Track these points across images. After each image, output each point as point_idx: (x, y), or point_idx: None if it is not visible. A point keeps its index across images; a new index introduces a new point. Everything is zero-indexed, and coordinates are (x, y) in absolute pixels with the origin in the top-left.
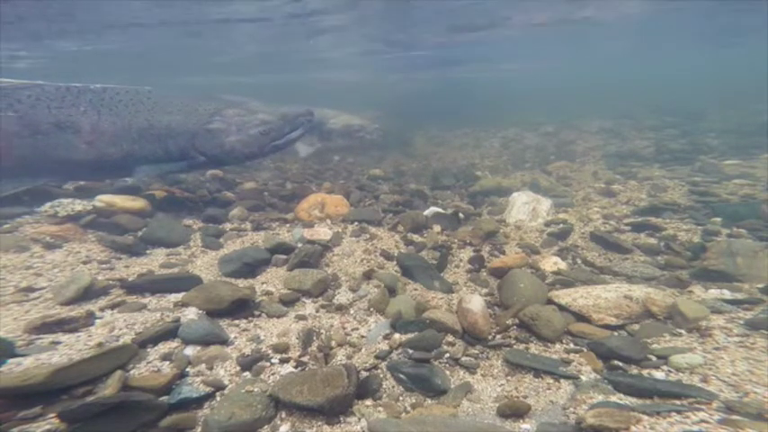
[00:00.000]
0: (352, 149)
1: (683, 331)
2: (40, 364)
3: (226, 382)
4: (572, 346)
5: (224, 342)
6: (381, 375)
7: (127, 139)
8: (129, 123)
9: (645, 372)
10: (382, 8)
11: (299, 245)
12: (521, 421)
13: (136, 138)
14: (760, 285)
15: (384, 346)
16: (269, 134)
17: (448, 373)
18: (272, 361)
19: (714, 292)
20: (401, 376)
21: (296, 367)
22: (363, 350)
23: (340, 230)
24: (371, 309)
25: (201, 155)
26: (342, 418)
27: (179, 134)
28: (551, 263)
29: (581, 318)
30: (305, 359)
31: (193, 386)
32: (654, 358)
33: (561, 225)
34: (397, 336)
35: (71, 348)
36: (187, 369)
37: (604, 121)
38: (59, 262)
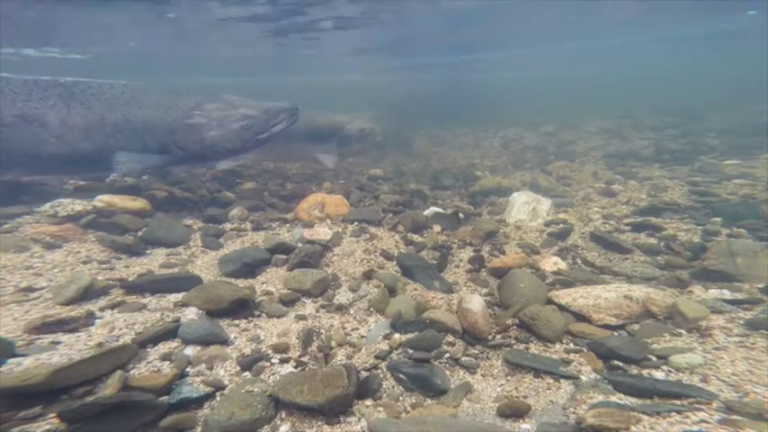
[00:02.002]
0: (362, 152)
1: (683, 331)
2: (40, 364)
3: (226, 382)
4: (572, 346)
5: (224, 342)
6: (381, 375)
7: (101, 134)
8: (102, 117)
9: (645, 372)
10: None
11: (299, 245)
12: (521, 421)
13: (110, 132)
14: (760, 285)
15: (384, 346)
16: (251, 128)
17: (448, 373)
18: (272, 361)
19: (714, 292)
20: (401, 376)
21: (296, 367)
22: (363, 350)
23: (340, 230)
24: (371, 309)
25: (181, 150)
26: (342, 418)
27: (157, 129)
28: (551, 263)
29: (581, 318)
30: (305, 359)
31: (193, 386)
32: (654, 358)
33: (561, 225)
34: (397, 336)
35: (71, 348)
36: (187, 369)
37: (604, 121)
38: (59, 262)
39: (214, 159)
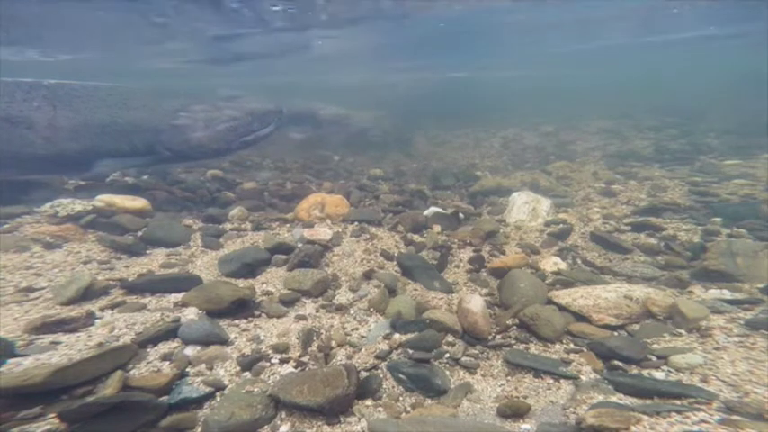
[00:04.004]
0: (338, 135)
1: (683, 331)
2: (40, 364)
3: (226, 382)
4: (572, 346)
5: (224, 342)
6: (381, 375)
7: (88, 135)
8: (89, 119)
9: (645, 372)
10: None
11: (299, 245)
12: (521, 421)
13: (98, 133)
14: (760, 285)
15: (384, 346)
16: (236, 130)
17: (448, 373)
18: (272, 361)
19: (714, 292)
20: (401, 376)
21: (296, 367)
22: (363, 350)
23: (340, 230)
24: (371, 309)
25: (167, 150)
26: (342, 418)
27: (144, 130)
28: (551, 263)
29: (581, 318)
30: (305, 359)
31: (193, 386)
32: (654, 358)
33: (561, 225)
34: (397, 336)
35: (71, 348)
36: (187, 369)
37: (604, 121)
38: (59, 262)
39: (199, 159)
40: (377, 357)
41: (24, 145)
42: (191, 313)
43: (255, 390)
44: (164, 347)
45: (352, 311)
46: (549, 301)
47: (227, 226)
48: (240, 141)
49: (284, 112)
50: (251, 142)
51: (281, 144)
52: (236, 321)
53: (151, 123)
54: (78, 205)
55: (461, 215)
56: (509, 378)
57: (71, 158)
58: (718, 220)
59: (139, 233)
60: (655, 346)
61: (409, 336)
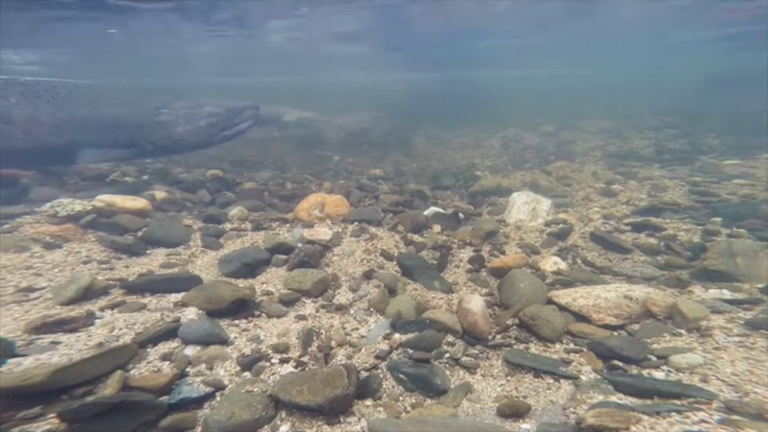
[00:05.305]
0: (307, 136)
1: (683, 331)
2: (40, 364)
3: (226, 382)
4: (572, 345)
5: (224, 342)
6: (381, 375)
7: (69, 130)
8: (71, 115)
9: (645, 372)
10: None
11: (299, 245)
12: (521, 421)
13: (80, 128)
14: (760, 285)
15: (384, 346)
16: (217, 125)
17: (448, 373)
18: (272, 361)
19: (714, 292)
20: (401, 376)
21: (296, 367)
22: (363, 350)
23: (340, 230)
24: (371, 309)
25: (150, 144)
26: (342, 418)
27: (126, 125)
28: (551, 263)
29: (581, 318)
30: (305, 359)
31: (193, 386)
32: (654, 358)
33: (561, 225)
34: (397, 336)
35: (71, 348)
36: (187, 369)
37: (604, 121)
38: (59, 262)
39: (181, 153)
40: (377, 357)
41: (4, 139)
42: (191, 313)
43: (255, 390)
44: (164, 347)
45: (352, 311)
46: (549, 301)
47: (227, 226)
48: (222, 136)
49: (260, 108)
50: (231, 136)
51: (281, 144)
52: (236, 321)
53: (133, 119)
54: (78, 205)
55: (461, 215)
56: (509, 378)
57: (54, 151)
58: (718, 219)
59: (139, 233)
60: (655, 345)
61: (409, 336)
